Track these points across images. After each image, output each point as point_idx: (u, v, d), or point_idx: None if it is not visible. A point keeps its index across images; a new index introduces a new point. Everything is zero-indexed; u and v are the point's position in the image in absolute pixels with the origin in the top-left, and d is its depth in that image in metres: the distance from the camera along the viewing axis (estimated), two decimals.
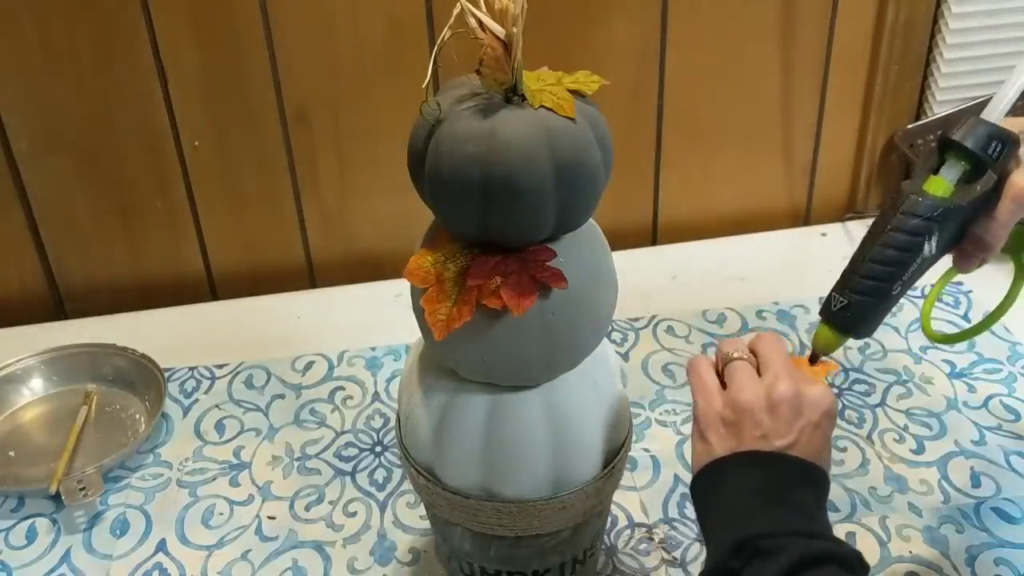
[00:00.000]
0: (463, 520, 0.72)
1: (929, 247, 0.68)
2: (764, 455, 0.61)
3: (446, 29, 0.59)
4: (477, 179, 0.60)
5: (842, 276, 0.72)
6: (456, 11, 0.58)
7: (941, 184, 0.67)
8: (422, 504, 0.85)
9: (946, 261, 0.72)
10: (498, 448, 0.68)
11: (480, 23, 0.59)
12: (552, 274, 0.64)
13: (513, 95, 0.62)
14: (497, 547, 0.73)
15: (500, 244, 0.64)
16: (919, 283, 0.70)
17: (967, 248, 0.70)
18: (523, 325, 0.64)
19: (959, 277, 0.80)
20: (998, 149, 0.66)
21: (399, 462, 0.95)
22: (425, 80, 0.61)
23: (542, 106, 0.61)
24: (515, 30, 0.59)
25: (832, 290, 0.71)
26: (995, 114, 0.67)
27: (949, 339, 0.88)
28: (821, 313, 0.73)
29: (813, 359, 0.74)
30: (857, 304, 0.70)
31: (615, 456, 0.73)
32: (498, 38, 0.59)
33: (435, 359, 0.71)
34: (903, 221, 0.67)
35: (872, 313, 0.70)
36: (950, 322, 1.08)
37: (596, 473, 0.71)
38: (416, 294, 0.66)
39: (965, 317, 1.09)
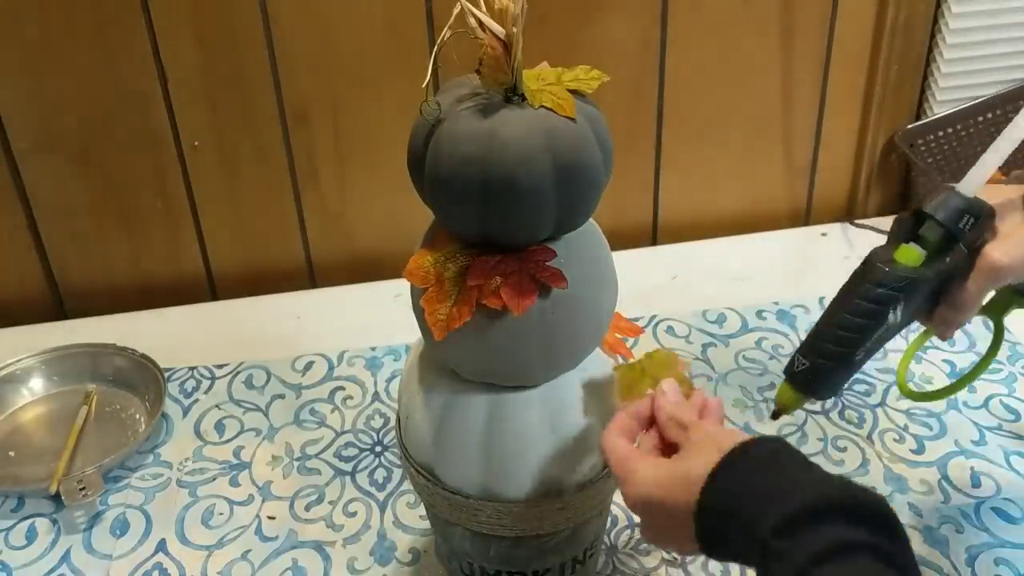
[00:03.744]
0: (463, 520, 0.72)
1: (894, 316, 0.68)
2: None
3: (446, 29, 0.59)
4: (477, 179, 0.60)
5: (807, 338, 0.72)
6: (456, 11, 0.58)
7: (911, 253, 0.67)
8: (422, 504, 0.85)
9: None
10: (498, 448, 0.68)
11: (480, 23, 0.59)
12: (552, 274, 0.64)
13: (513, 95, 0.62)
14: (497, 547, 0.73)
15: (500, 244, 0.64)
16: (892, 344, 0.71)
17: (939, 315, 0.70)
18: (523, 325, 0.64)
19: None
20: (970, 222, 0.66)
21: (399, 462, 0.95)
22: (425, 80, 0.61)
23: (542, 106, 0.61)
24: (515, 30, 0.59)
25: (797, 351, 0.72)
26: (971, 186, 0.67)
27: (925, 397, 0.91)
28: (785, 372, 0.74)
29: (775, 415, 0.75)
30: (819, 368, 0.70)
31: None
32: (498, 38, 0.59)
33: (435, 359, 0.71)
34: (869, 290, 0.67)
35: (833, 377, 0.71)
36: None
37: (596, 473, 0.71)
38: (416, 294, 0.66)
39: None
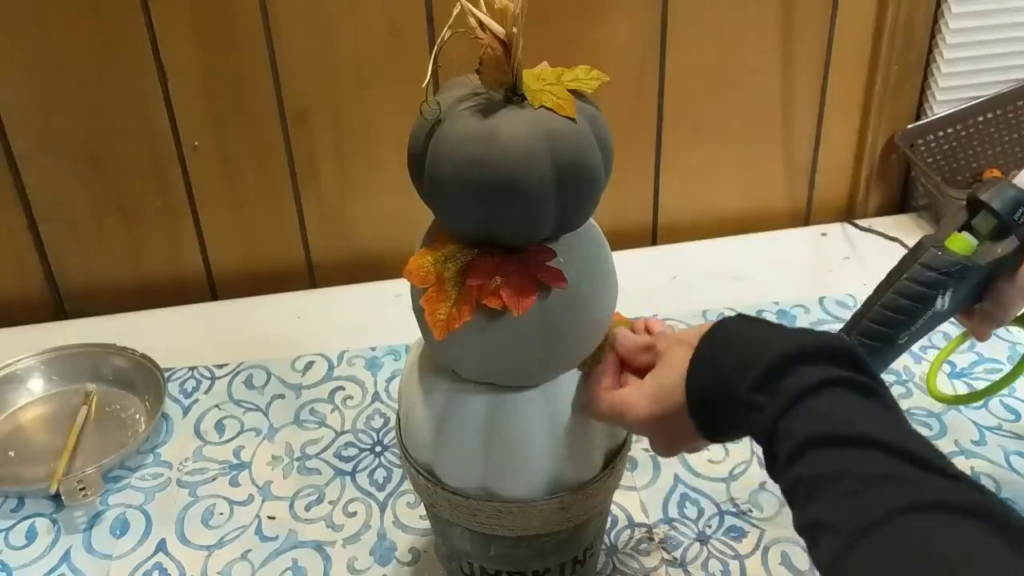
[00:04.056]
0: (463, 520, 0.72)
1: (942, 302, 0.68)
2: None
3: (446, 29, 0.59)
4: (477, 180, 0.60)
5: (852, 317, 0.72)
6: (456, 11, 0.58)
7: (963, 242, 0.67)
8: (422, 504, 0.85)
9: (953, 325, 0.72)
10: (498, 448, 0.68)
11: (480, 23, 0.59)
12: (552, 274, 0.64)
13: (513, 95, 0.62)
14: (497, 547, 0.73)
15: (500, 244, 0.64)
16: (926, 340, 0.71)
17: (982, 310, 0.70)
18: (523, 325, 0.64)
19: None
20: None
21: (399, 462, 0.95)
22: (425, 80, 0.61)
23: (542, 106, 0.61)
24: (515, 30, 0.59)
25: (841, 329, 0.71)
26: None
27: (955, 400, 0.90)
28: None
29: None
30: (863, 347, 0.69)
31: (615, 456, 0.73)
32: (498, 38, 0.59)
33: (435, 359, 0.71)
34: (919, 272, 0.68)
35: (876, 358, 0.71)
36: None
37: (596, 473, 0.71)
38: (416, 294, 0.66)
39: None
